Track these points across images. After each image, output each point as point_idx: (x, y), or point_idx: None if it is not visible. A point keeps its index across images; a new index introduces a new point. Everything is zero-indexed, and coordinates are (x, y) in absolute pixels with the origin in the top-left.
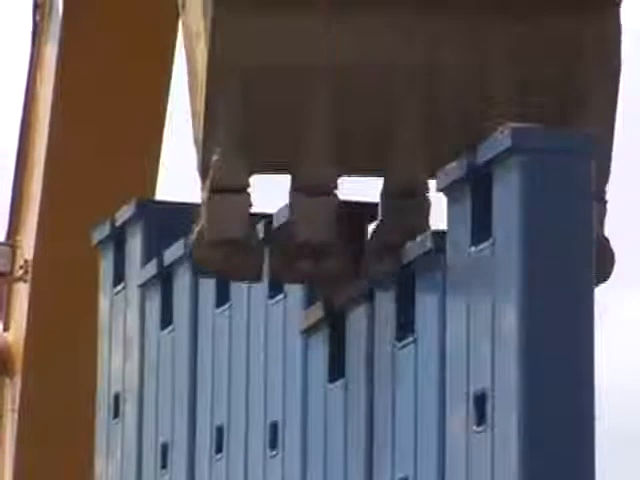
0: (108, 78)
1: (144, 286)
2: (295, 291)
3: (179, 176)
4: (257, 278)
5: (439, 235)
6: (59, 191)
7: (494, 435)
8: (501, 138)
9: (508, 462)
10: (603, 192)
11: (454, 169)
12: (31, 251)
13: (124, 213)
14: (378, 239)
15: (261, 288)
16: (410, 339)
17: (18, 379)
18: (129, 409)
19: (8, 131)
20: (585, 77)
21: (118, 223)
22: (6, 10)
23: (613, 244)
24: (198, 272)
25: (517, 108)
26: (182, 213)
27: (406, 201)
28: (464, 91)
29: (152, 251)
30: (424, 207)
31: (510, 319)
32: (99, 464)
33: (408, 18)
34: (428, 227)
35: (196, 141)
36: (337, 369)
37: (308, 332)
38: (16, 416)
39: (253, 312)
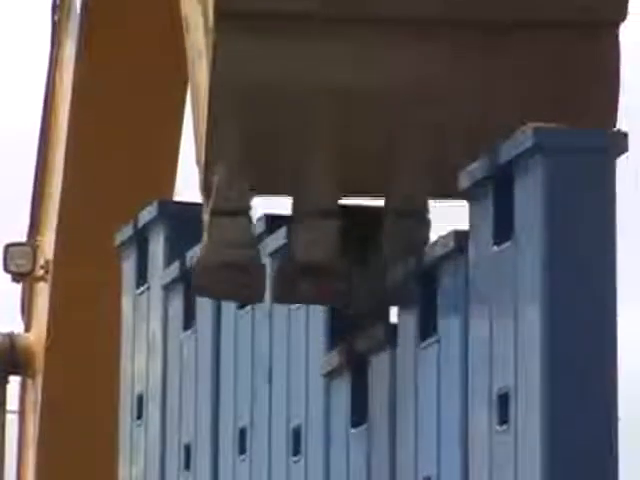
0: (126, 78)
1: (167, 287)
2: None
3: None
4: (259, 300)
5: (461, 235)
6: (79, 191)
7: (517, 435)
8: (523, 137)
9: (531, 462)
10: None
11: (476, 169)
12: (52, 251)
13: (146, 214)
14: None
15: None
16: (433, 339)
17: (39, 379)
18: (152, 410)
19: (28, 132)
20: (583, 98)
21: (140, 224)
22: (27, 10)
23: None
24: (196, 293)
25: (518, 125)
26: None
27: (407, 220)
28: (464, 110)
29: (174, 252)
30: (424, 226)
31: (532, 319)
32: (122, 465)
33: (407, 39)
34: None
35: (198, 162)
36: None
37: (330, 375)
38: (38, 416)
39: (276, 312)
